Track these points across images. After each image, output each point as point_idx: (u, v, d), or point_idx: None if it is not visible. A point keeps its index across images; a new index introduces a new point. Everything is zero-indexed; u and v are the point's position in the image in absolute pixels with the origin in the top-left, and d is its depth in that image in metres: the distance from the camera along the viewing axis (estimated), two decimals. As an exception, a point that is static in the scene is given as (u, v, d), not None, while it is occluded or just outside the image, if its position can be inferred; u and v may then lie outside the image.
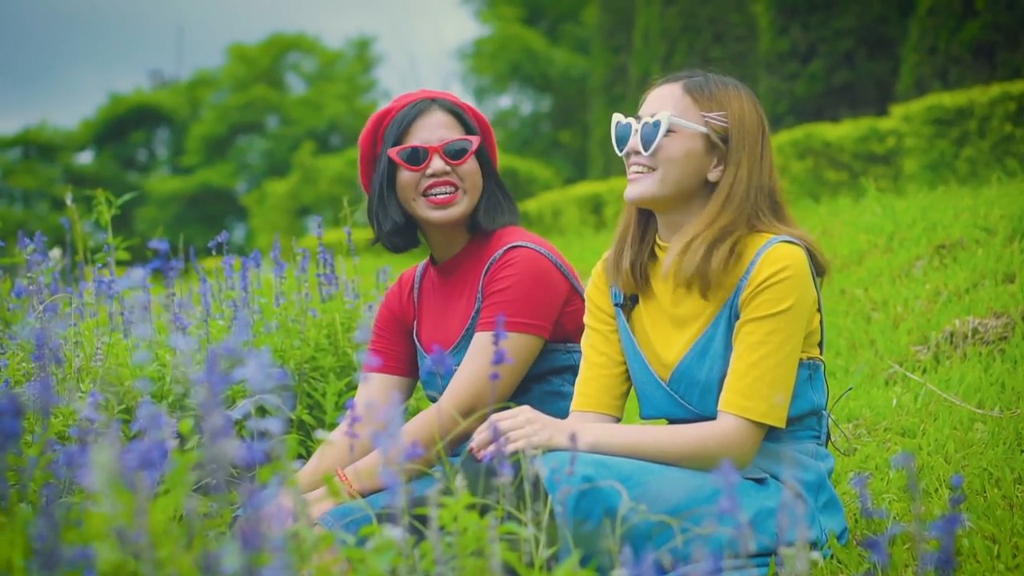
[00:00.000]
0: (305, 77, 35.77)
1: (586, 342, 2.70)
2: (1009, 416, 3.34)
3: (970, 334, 4.21)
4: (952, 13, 9.87)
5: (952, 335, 4.26)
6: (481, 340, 2.82)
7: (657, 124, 2.49)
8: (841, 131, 10.33)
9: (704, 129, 2.49)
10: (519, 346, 2.81)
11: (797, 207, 8.67)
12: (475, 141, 2.93)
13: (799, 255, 2.44)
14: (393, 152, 2.91)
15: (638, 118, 2.55)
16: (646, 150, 2.50)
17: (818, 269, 2.52)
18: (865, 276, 5.37)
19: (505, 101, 29.96)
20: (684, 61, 13.87)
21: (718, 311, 2.50)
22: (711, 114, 2.50)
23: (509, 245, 2.88)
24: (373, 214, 3.00)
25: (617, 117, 2.60)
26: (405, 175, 2.91)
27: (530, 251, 2.85)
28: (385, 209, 2.96)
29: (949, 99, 8.94)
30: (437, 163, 2.89)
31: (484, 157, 2.97)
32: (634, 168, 2.53)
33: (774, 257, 2.43)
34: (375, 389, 3.04)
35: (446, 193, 2.90)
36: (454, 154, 2.90)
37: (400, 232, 2.98)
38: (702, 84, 2.53)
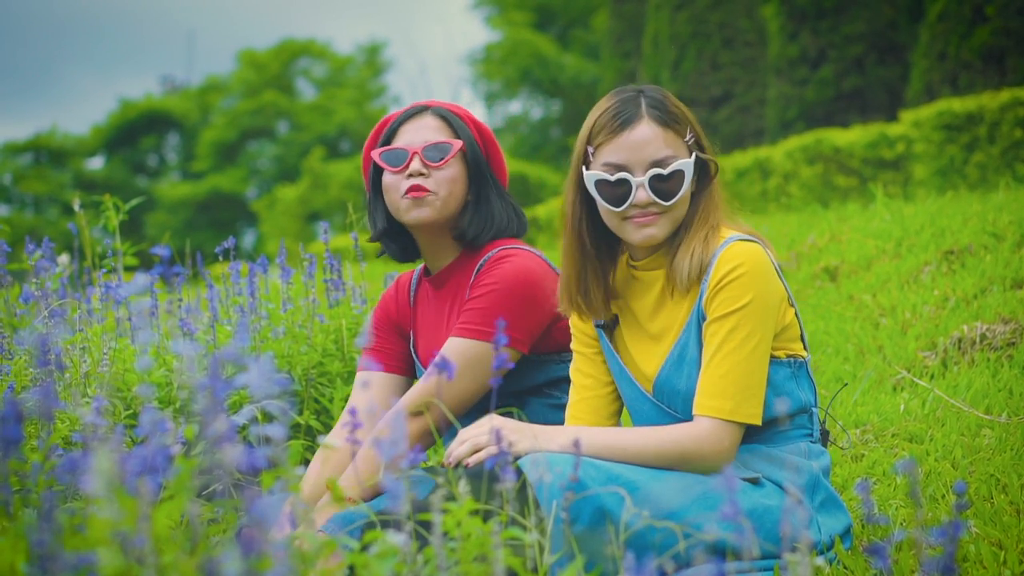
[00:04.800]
0: (315, 82, 35.86)
1: (573, 367, 2.70)
2: (1017, 422, 3.33)
3: (978, 340, 4.20)
4: (962, 19, 9.85)
5: (960, 341, 4.25)
6: (447, 346, 2.78)
7: (675, 174, 2.43)
8: (851, 137, 10.33)
9: (692, 158, 2.47)
10: (476, 354, 2.75)
11: (806, 212, 8.67)
12: (456, 145, 2.86)
13: (755, 250, 2.43)
14: (376, 154, 2.90)
15: (623, 169, 2.44)
16: (667, 199, 2.44)
17: None
18: (873, 282, 5.36)
19: (515, 106, 30.04)
20: (693, 67, 13.85)
21: (687, 318, 2.49)
22: (687, 138, 2.47)
23: (501, 248, 2.84)
24: (368, 218, 2.99)
25: (598, 174, 2.45)
26: (388, 177, 2.88)
27: (519, 260, 2.80)
28: (373, 213, 2.96)
29: (959, 105, 8.92)
30: (415, 164, 2.83)
31: (474, 165, 2.90)
32: (642, 216, 2.45)
33: (730, 255, 2.42)
34: (376, 390, 2.98)
35: (419, 192, 2.83)
36: (433, 156, 2.85)
37: (391, 237, 2.95)
38: (667, 109, 2.46)
